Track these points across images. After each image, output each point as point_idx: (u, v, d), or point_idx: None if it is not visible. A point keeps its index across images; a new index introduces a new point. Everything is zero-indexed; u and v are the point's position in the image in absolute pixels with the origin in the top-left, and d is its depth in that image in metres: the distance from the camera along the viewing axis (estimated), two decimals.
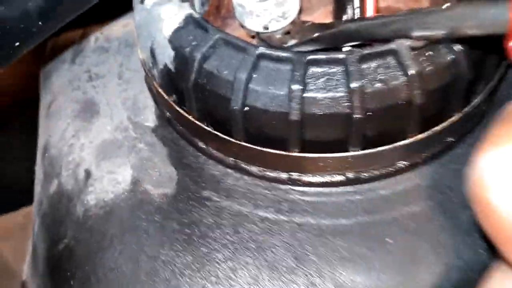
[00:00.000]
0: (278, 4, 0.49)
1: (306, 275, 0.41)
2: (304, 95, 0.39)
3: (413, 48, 0.39)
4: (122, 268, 0.44)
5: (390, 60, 0.39)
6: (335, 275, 0.41)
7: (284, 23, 0.51)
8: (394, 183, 0.44)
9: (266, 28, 0.51)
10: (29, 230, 0.53)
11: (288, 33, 0.48)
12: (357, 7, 0.46)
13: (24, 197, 0.64)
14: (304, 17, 0.60)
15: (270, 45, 0.48)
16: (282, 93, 0.39)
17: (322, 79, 0.39)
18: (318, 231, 0.43)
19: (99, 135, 0.50)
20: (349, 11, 0.47)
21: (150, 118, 0.50)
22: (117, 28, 0.57)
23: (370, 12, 0.46)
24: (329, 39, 0.43)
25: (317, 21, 0.61)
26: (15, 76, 0.67)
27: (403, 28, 0.39)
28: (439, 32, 0.37)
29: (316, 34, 0.43)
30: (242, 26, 0.52)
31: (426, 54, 0.39)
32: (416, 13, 0.39)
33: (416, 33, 0.38)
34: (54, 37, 0.51)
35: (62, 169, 0.50)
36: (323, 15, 0.61)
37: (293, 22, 0.49)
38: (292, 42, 0.46)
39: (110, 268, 0.44)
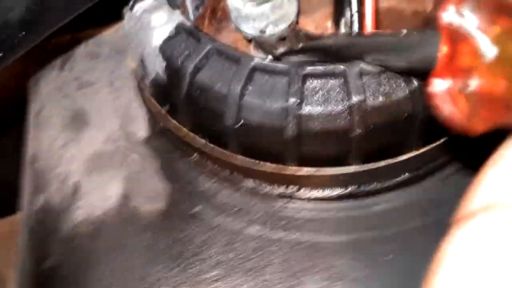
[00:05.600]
0: (274, 7, 0.47)
1: None
2: (302, 109, 0.37)
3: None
4: None
5: (392, 73, 0.37)
6: None
7: (283, 27, 0.49)
8: (395, 198, 0.43)
9: (263, 32, 0.49)
10: (15, 238, 0.51)
11: (284, 39, 0.46)
12: (355, 11, 0.44)
13: (11, 204, 0.62)
14: (304, 19, 0.59)
15: (263, 50, 0.46)
16: (278, 107, 0.37)
17: (320, 93, 0.37)
18: (314, 249, 0.41)
19: (89, 146, 0.48)
20: (347, 14, 0.45)
21: (142, 128, 0.49)
22: (108, 33, 0.55)
23: (368, 15, 0.44)
24: (309, 51, 0.41)
25: (316, 23, 0.60)
26: (5, 79, 0.65)
27: (360, 51, 0.37)
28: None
29: (300, 45, 0.42)
30: (239, 30, 0.50)
31: None
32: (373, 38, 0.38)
33: (367, 59, 0.37)
34: (43, 42, 0.49)
35: (50, 182, 0.48)
36: (323, 17, 0.59)
37: (290, 28, 0.47)
38: (282, 49, 0.44)
39: None
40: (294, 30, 0.48)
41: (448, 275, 0.21)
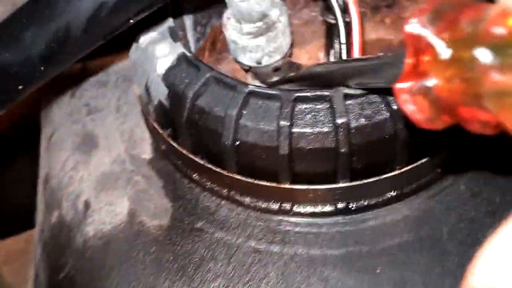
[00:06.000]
0: (269, 40, 0.51)
1: None
2: (292, 130, 0.41)
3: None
4: None
5: (373, 96, 0.40)
6: None
7: (277, 58, 0.53)
8: (383, 214, 0.45)
9: (259, 62, 0.52)
10: (30, 254, 0.54)
11: (278, 69, 0.50)
12: (343, 43, 0.47)
13: (25, 221, 0.65)
14: (298, 51, 0.62)
15: (259, 79, 0.50)
16: (271, 128, 0.41)
17: (309, 116, 0.41)
18: (309, 262, 0.44)
19: (98, 167, 0.52)
20: (336, 45, 0.48)
21: (146, 151, 0.52)
22: (116, 62, 0.58)
23: (356, 47, 0.47)
24: (299, 80, 0.45)
25: (309, 54, 0.63)
26: (20, 107, 0.69)
27: (343, 76, 0.41)
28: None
29: (291, 74, 0.45)
30: (236, 61, 0.54)
31: None
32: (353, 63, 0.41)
33: (351, 83, 0.40)
34: None
35: (63, 200, 0.51)
36: (315, 48, 0.63)
37: (284, 59, 0.51)
38: (275, 79, 0.48)
39: None
40: (288, 61, 0.51)
41: None
